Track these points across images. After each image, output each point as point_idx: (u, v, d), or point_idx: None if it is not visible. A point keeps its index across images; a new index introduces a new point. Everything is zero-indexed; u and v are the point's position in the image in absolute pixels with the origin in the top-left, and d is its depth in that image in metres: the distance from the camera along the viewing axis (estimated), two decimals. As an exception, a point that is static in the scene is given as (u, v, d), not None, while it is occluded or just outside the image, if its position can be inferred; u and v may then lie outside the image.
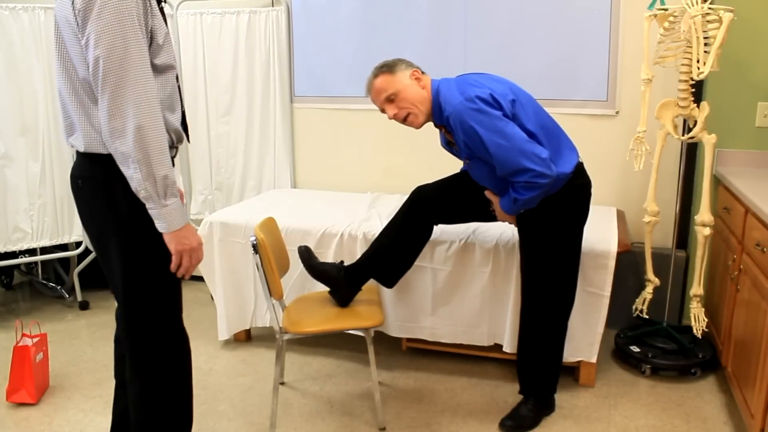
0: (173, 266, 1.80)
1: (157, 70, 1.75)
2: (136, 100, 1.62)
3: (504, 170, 2.27)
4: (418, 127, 2.41)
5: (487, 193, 2.49)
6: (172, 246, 1.76)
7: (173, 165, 1.96)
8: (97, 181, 1.78)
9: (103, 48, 1.59)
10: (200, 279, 4.15)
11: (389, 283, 2.66)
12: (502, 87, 2.30)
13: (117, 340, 2.11)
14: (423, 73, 2.43)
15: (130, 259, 1.81)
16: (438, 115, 2.38)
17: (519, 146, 2.21)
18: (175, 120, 1.85)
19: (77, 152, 1.82)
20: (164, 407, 1.95)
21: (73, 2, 1.62)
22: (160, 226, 1.73)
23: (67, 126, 1.79)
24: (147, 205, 1.71)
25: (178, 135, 1.88)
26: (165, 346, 1.93)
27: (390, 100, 2.39)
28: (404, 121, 2.40)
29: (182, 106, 1.91)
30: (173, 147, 1.91)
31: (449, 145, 2.54)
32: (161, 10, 1.82)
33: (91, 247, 3.66)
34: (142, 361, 1.91)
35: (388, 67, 2.39)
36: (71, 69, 1.71)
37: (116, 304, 1.96)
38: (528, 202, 2.31)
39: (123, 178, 1.71)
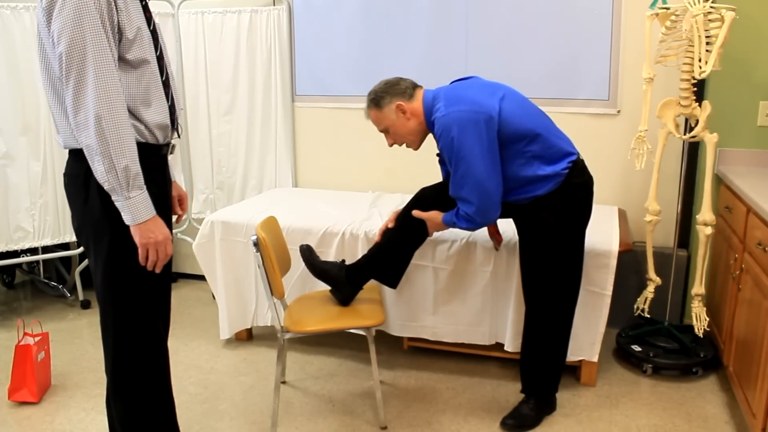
0: (141, 259, 1.81)
1: (131, 65, 1.77)
2: (95, 93, 1.65)
3: (455, 192, 2.35)
4: (416, 149, 2.53)
5: (416, 213, 2.54)
6: (137, 238, 1.78)
7: (166, 161, 2.00)
8: (77, 178, 1.82)
9: (65, 44, 1.63)
10: (202, 278, 4.16)
11: (392, 283, 2.65)
12: (489, 91, 2.31)
13: None
14: (415, 88, 2.43)
15: (104, 256, 1.83)
16: (432, 127, 2.40)
17: (478, 179, 2.27)
18: (156, 115, 1.85)
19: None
20: (142, 410, 1.97)
21: (41, 2, 1.67)
22: (126, 218, 1.76)
23: (55, 125, 1.84)
24: (113, 197, 1.74)
25: (164, 130, 1.89)
26: (138, 346, 1.93)
27: (385, 131, 2.49)
28: (402, 145, 2.53)
29: (172, 100, 1.91)
30: (164, 144, 1.92)
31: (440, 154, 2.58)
32: (144, 6, 1.84)
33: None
34: (116, 363, 1.92)
35: (375, 102, 2.44)
36: (50, 68, 1.76)
37: None
38: (462, 227, 2.43)
39: None
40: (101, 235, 1.83)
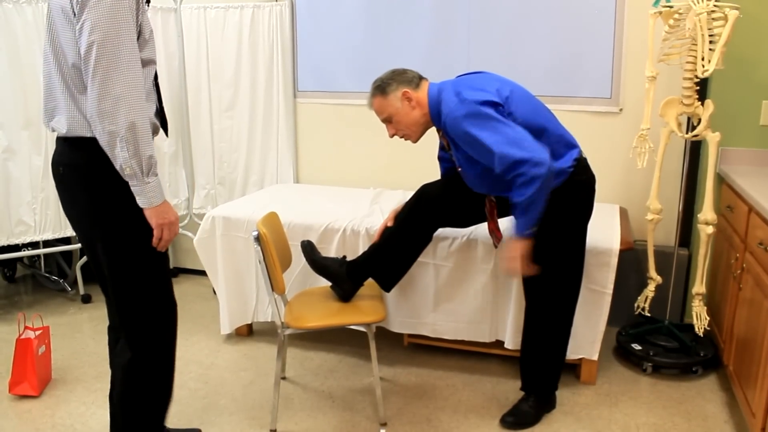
0: (155, 240, 1.92)
1: (141, 63, 1.85)
2: (127, 85, 1.75)
3: (502, 165, 2.21)
4: (415, 141, 2.49)
5: (505, 258, 2.36)
6: (153, 221, 1.88)
7: None
8: (78, 168, 1.87)
9: (99, 34, 1.71)
10: (202, 273, 4.16)
11: (387, 286, 2.65)
12: (498, 84, 2.30)
13: (110, 329, 2.20)
14: (421, 79, 2.42)
15: (113, 242, 1.91)
16: (438, 120, 2.38)
17: (514, 139, 2.19)
18: (150, 111, 1.94)
19: (59, 140, 1.92)
20: (150, 377, 2.06)
21: None
22: (141, 201, 1.85)
23: (50, 110, 1.90)
24: (130, 183, 1.82)
25: (154, 127, 1.98)
26: (156, 318, 2.03)
27: (387, 120, 2.46)
28: (402, 137, 2.49)
29: (160, 100, 2.01)
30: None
31: (444, 149, 2.55)
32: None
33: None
34: (136, 334, 2.01)
35: (381, 89, 2.42)
36: (60, 55, 1.82)
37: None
38: (532, 204, 2.21)
39: (102, 164, 1.82)
40: (111, 222, 1.89)
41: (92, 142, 1.82)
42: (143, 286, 1.97)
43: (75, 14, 1.74)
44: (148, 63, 1.88)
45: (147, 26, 1.86)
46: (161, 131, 2.05)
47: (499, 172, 2.25)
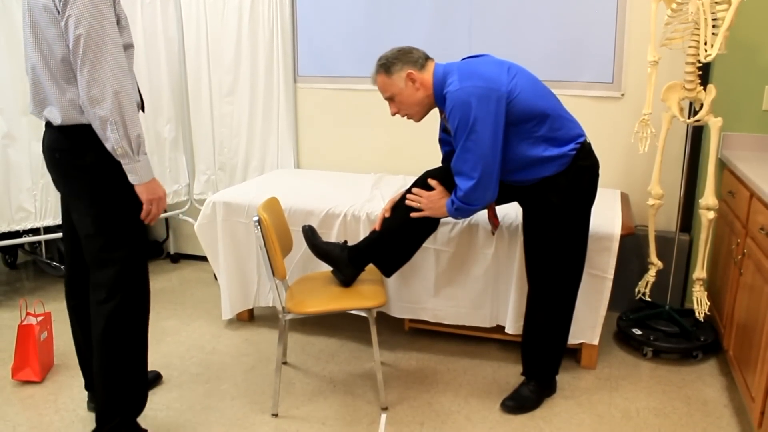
0: (144, 214, 2.07)
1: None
2: (113, 71, 1.89)
3: (458, 166, 2.33)
4: (417, 121, 2.50)
5: (411, 199, 2.54)
6: (143, 196, 2.04)
7: None
8: (73, 152, 2.02)
9: (84, 27, 1.85)
10: (204, 259, 4.17)
11: (388, 271, 2.65)
12: (502, 74, 2.29)
13: (71, 307, 2.36)
14: (427, 59, 2.40)
15: (107, 216, 2.05)
16: (441, 102, 2.37)
17: (484, 154, 2.26)
18: (135, 93, 2.07)
19: (52, 128, 2.05)
20: (131, 326, 2.17)
21: None
22: (133, 179, 2.00)
23: (39, 101, 2.04)
24: (122, 162, 1.97)
25: (138, 106, 2.11)
26: (134, 288, 2.14)
27: (390, 99, 2.45)
28: (404, 116, 2.49)
29: (135, 81, 2.15)
30: None
31: (445, 131, 2.55)
32: None
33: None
34: (120, 286, 2.12)
35: (385, 68, 2.39)
36: (47, 50, 1.95)
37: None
38: (460, 211, 2.42)
39: (95, 147, 1.97)
40: (103, 197, 2.03)
41: (84, 128, 1.97)
42: (127, 246, 2.10)
43: (59, 11, 1.87)
44: (127, 47, 2.01)
45: (122, 14, 2.00)
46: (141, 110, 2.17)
47: (452, 166, 2.37)
